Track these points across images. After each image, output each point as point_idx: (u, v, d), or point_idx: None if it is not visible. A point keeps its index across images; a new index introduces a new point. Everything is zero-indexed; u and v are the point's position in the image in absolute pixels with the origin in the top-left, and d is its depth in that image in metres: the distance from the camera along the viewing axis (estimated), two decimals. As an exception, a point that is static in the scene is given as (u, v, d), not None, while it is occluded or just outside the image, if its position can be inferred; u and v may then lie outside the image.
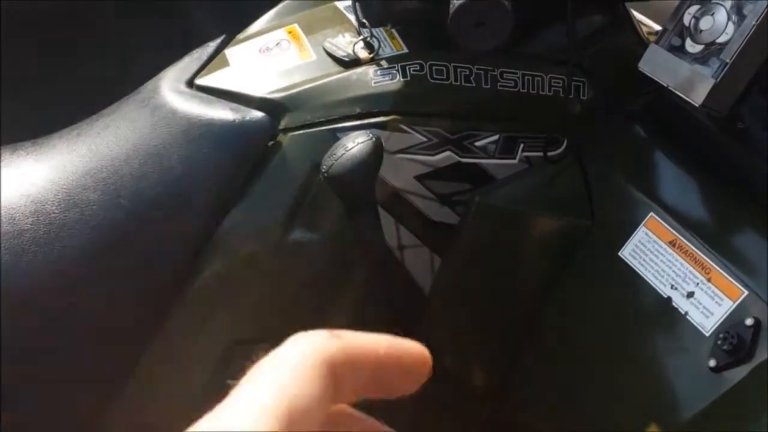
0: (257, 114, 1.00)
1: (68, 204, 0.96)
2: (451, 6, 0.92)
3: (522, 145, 1.06)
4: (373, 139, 0.90)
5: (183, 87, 1.05)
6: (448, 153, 1.03)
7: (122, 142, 1.01)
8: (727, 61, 0.87)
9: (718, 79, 0.87)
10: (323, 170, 0.90)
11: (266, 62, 1.07)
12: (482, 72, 1.03)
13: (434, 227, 1.06)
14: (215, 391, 1.04)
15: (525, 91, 1.05)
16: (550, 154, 1.06)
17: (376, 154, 0.89)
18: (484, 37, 0.93)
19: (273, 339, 1.13)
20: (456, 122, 1.03)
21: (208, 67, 1.08)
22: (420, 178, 1.03)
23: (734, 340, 0.85)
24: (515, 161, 1.07)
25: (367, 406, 1.28)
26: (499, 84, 1.04)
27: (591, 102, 1.08)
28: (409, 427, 1.18)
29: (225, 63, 1.08)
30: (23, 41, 1.80)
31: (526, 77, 1.05)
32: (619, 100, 1.06)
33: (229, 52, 1.10)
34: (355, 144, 0.89)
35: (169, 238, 0.98)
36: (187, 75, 1.06)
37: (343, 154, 0.89)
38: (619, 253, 0.99)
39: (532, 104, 1.06)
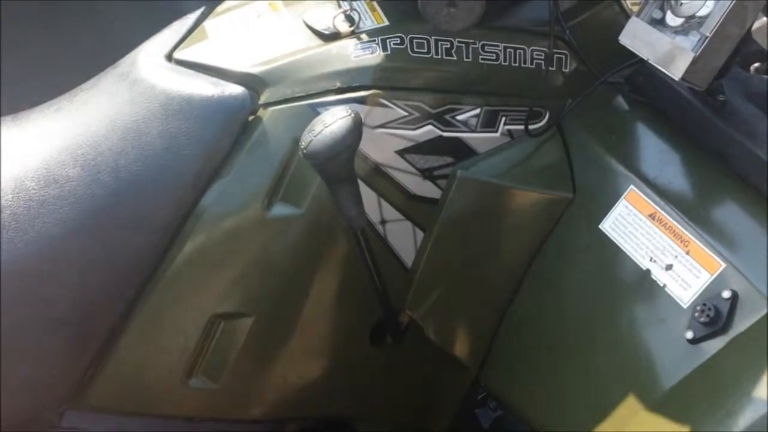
0: (237, 88, 1.00)
1: (48, 180, 0.96)
2: None
3: (504, 119, 1.06)
4: (352, 114, 0.90)
5: (162, 60, 1.04)
6: (429, 127, 1.03)
7: (101, 117, 1.00)
8: (707, 34, 0.87)
9: (698, 53, 0.87)
10: (302, 146, 0.90)
11: (246, 35, 1.06)
12: (463, 45, 1.02)
13: (416, 201, 1.06)
14: (199, 362, 1.05)
15: (507, 63, 1.05)
16: (531, 127, 1.06)
17: (355, 129, 0.89)
18: (455, 17, 0.92)
19: (255, 313, 1.13)
20: (437, 96, 1.02)
21: (188, 40, 1.07)
22: (401, 152, 1.03)
23: (711, 312, 0.86)
24: (497, 135, 1.06)
25: (354, 373, 1.26)
26: (480, 57, 1.03)
27: (573, 74, 1.08)
28: (392, 393, 1.20)
29: (204, 36, 1.07)
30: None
31: (507, 50, 1.04)
32: (601, 72, 1.06)
33: (209, 24, 1.09)
34: (334, 120, 0.89)
35: (149, 213, 0.98)
36: (166, 48, 1.06)
37: (322, 130, 0.88)
38: (600, 226, 1.00)
39: (514, 77, 1.05)
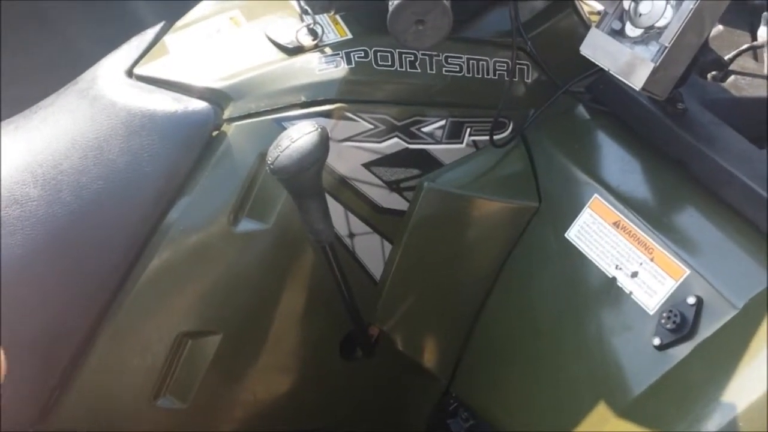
0: (200, 104, 0.99)
1: (8, 200, 0.94)
2: (390, 4, 0.91)
3: (469, 130, 1.07)
4: (319, 129, 0.89)
5: (122, 77, 1.03)
6: (395, 139, 1.03)
7: (62, 135, 0.98)
8: (666, 45, 0.88)
9: (658, 63, 0.88)
10: (269, 162, 0.89)
11: (207, 50, 1.05)
12: (427, 57, 1.03)
13: (383, 214, 1.06)
14: (167, 381, 1.03)
15: (470, 75, 1.05)
16: (496, 137, 1.07)
17: (322, 145, 0.89)
18: (423, 35, 0.93)
19: (223, 330, 1.11)
20: (402, 108, 1.03)
21: (148, 55, 1.06)
22: (368, 165, 1.03)
23: (677, 318, 0.88)
24: (462, 146, 1.07)
25: (325, 387, 1.25)
26: (444, 69, 1.04)
27: (535, 84, 1.09)
28: (364, 406, 1.20)
29: (165, 51, 1.06)
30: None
31: (470, 61, 1.05)
32: (563, 82, 1.07)
33: (169, 39, 1.08)
34: (300, 135, 0.88)
35: (112, 232, 0.97)
36: (127, 64, 1.04)
37: (289, 145, 0.88)
38: (566, 235, 1.01)
39: (478, 88, 1.06)
